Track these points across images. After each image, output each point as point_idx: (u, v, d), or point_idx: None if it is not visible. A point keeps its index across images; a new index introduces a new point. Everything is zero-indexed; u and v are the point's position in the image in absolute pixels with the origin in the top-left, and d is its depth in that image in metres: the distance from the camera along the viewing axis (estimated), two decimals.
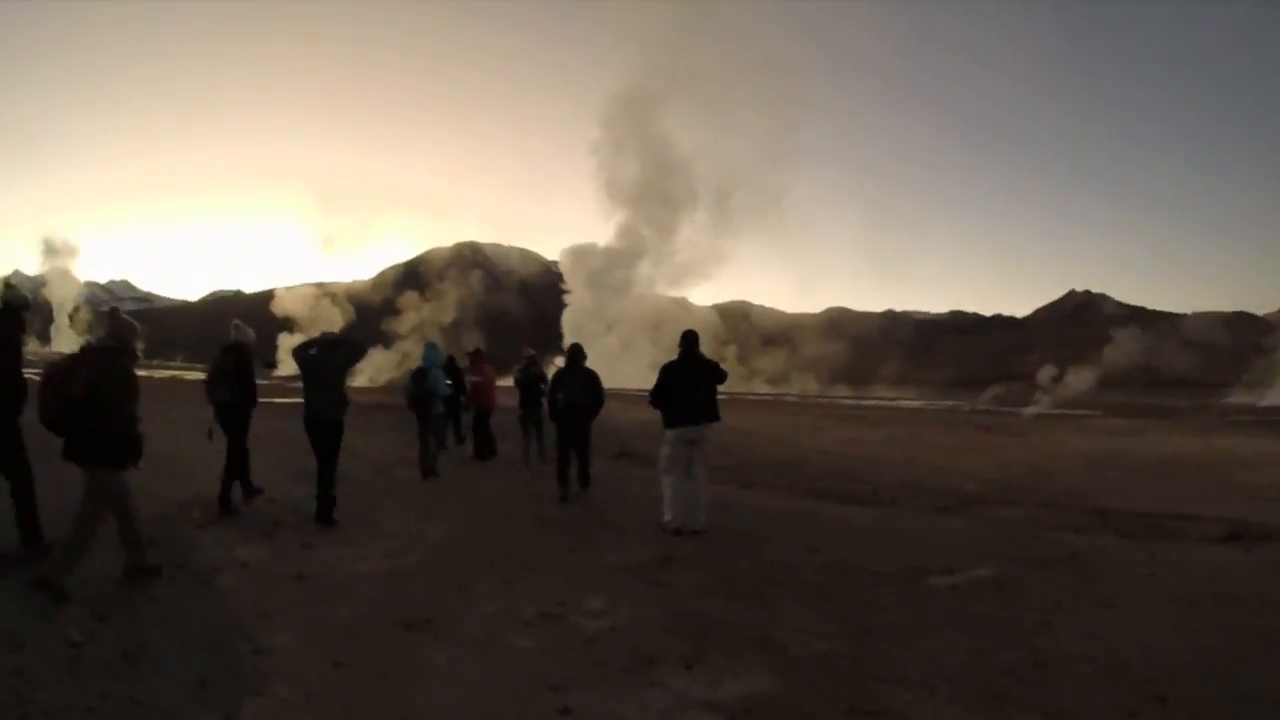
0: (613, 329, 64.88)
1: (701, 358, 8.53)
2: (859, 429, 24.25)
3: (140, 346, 5.93)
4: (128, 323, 5.81)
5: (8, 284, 6.55)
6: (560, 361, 11.19)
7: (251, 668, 4.41)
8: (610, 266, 67.07)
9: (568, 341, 66.89)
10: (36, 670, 4.24)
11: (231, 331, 8.84)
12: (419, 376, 11.62)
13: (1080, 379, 46.47)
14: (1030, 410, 39.10)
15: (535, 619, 5.32)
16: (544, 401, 11.55)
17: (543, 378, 12.48)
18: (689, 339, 8.57)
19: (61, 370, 5.42)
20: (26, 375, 6.30)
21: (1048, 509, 10.02)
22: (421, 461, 11.46)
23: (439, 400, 11.74)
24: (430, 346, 12.20)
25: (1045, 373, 46.85)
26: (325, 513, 8.06)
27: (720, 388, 8.58)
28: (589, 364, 10.46)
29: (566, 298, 67.95)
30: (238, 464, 8.65)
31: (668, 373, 8.47)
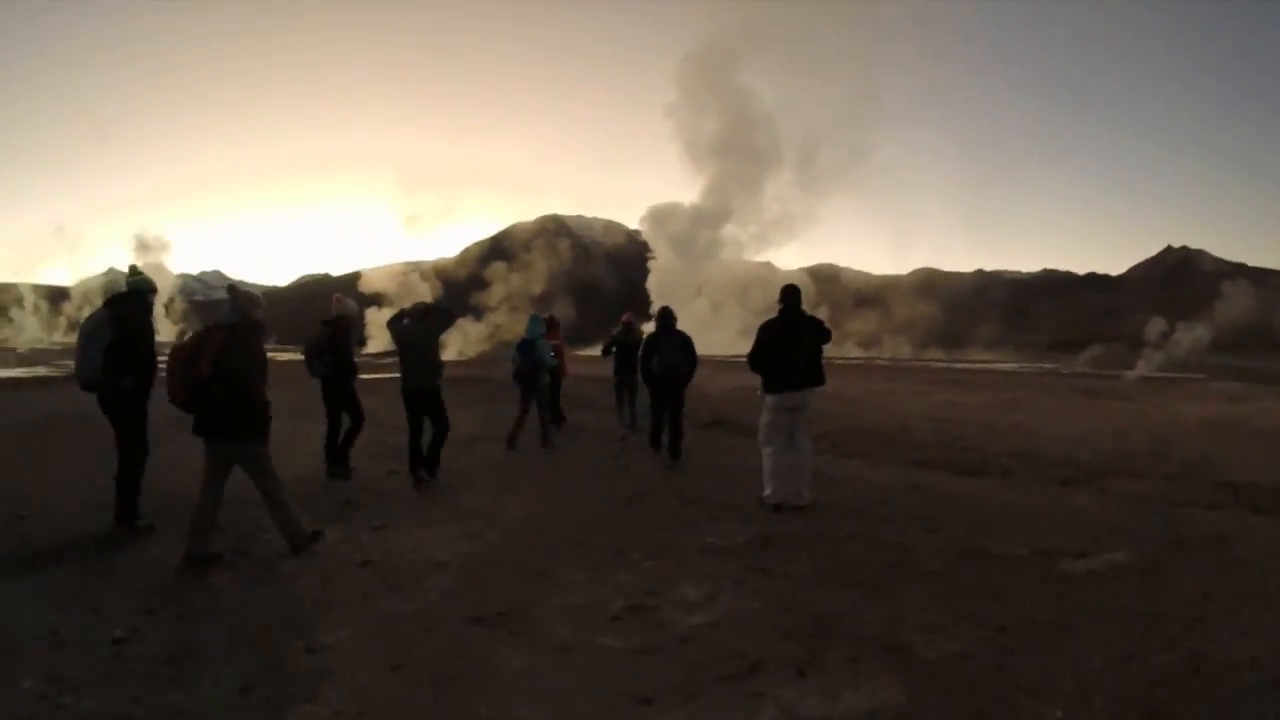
0: (701, 292, 63.98)
1: (804, 315, 7.76)
2: (957, 393, 23.12)
3: (262, 317, 5.89)
4: (248, 296, 5.81)
5: (134, 270, 6.65)
6: (650, 328, 10.72)
7: (303, 669, 3.93)
8: (695, 226, 65.87)
9: (655, 307, 66.45)
10: (72, 672, 3.86)
11: (333, 305, 8.93)
12: (525, 348, 11.33)
13: (1193, 336, 43.81)
14: (1134, 373, 37.60)
15: (623, 612, 4.72)
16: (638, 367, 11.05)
17: (639, 343, 11.82)
18: (790, 295, 7.74)
19: (188, 349, 5.50)
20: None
21: (1174, 482, 9.13)
22: (513, 434, 11.21)
23: (544, 371, 11.48)
24: (533, 319, 11.92)
25: (1154, 326, 44.25)
26: (430, 465, 8.44)
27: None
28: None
29: (651, 262, 67.13)
30: (344, 430, 8.79)
31: (766, 332, 7.69)
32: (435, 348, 8.65)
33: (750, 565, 5.59)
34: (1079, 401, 21.40)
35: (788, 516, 7.06)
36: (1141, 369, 39.12)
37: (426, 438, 8.53)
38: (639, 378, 11.25)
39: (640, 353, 10.54)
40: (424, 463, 8.42)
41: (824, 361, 7.83)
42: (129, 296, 6.44)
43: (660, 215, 67.81)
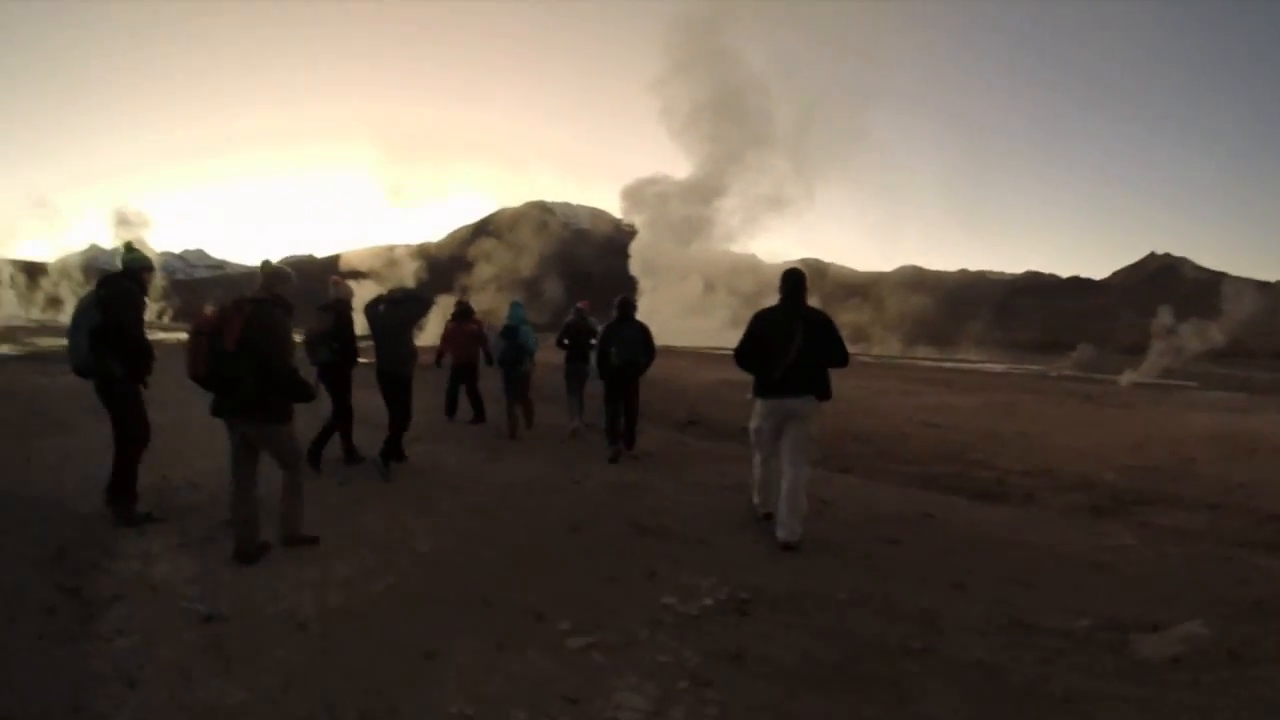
0: (686, 278, 62.45)
1: (806, 308, 6.27)
2: (950, 395, 21.89)
3: (290, 292, 5.57)
4: (277, 271, 5.55)
5: (129, 247, 6.34)
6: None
7: None
8: (683, 203, 64.19)
9: (641, 288, 65.27)
10: None
11: (330, 289, 8.69)
12: (510, 334, 10.98)
13: (1193, 344, 43.00)
14: (1126, 378, 37.21)
15: None
16: (592, 356, 10.63)
17: (593, 332, 11.25)
18: (790, 281, 6.29)
19: (211, 324, 5.20)
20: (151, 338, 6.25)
21: (1218, 514, 7.90)
22: (511, 426, 11.07)
23: (528, 358, 11.21)
24: (515, 304, 11.51)
25: (1158, 328, 43.38)
26: (390, 453, 8.16)
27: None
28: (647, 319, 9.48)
29: (633, 245, 65.45)
30: (343, 423, 8.56)
31: (758, 323, 6.32)
32: (409, 334, 8.64)
33: (719, 649, 4.00)
34: (1078, 408, 20.25)
35: (773, 563, 5.48)
36: (1133, 375, 38.54)
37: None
38: (589, 367, 11.00)
39: (597, 343, 9.99)
40: (384, 452, 8.11)
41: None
42: (122, 275, 6.13)
43: (643, 190, 65.95)
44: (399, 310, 8.48)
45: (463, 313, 12.74)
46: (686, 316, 60.91)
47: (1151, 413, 19.87)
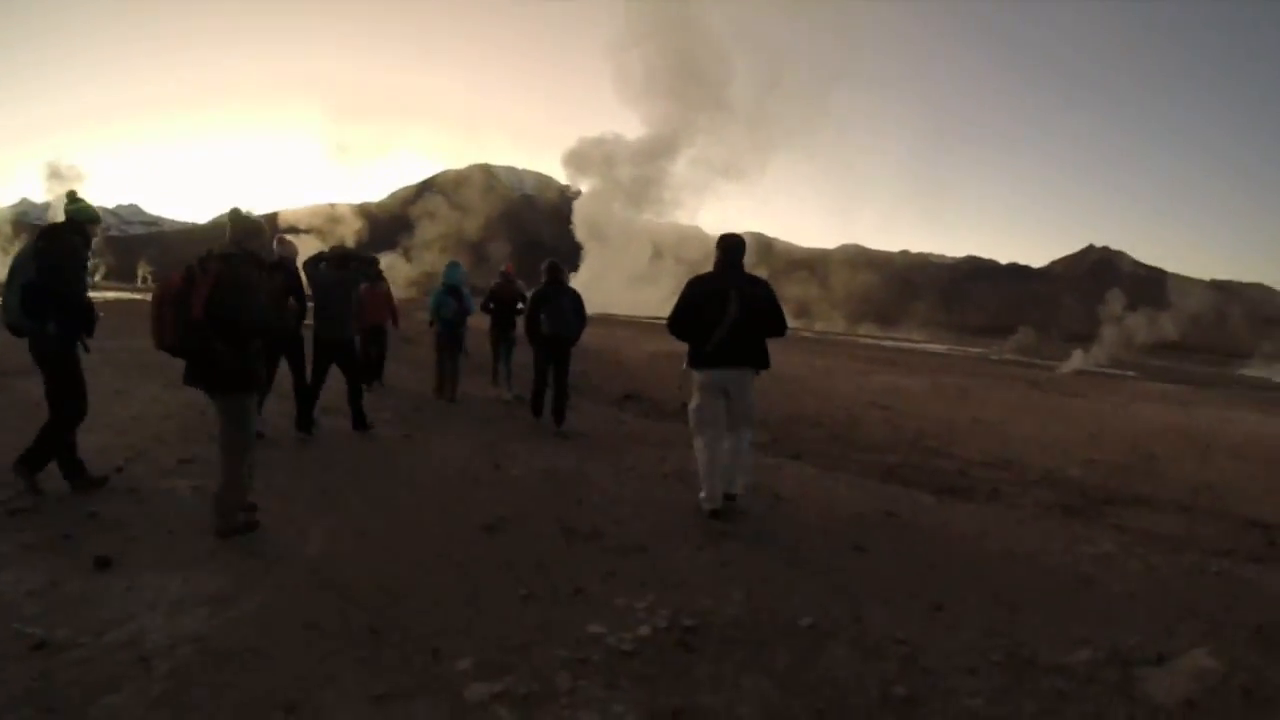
0: (632, 245, 61.47)
1: (743, 274, 6.03)
2: (898, 376, 21.49)
3: (263, 247, 5.24)
4: (246, 222, 5.05)
5: (73, 197, 5.70)
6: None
7: None
8: (629, 166, 63.07)
9: (587, 251, 64.09)
10: None
11: (275, 247, 7.93)
12: (456, 295, 11.02)
13: (1149, 331, 43.78)
14: (1069, 365, 37.58)
15: None
16: (519, 323, 10.48)
17: (520, 297, 11.26)
18: (728, 246, 6.01)
19: (175, 287, 4.68)
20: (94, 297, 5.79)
21: (1193, 517, 7.57)
22: (441, 389, 11.03)
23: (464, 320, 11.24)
24: (453, 265, 11.52)
25: (1113, 301, 44.01)
26: (358, 418, 8.27)
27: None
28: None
29: (576, 206, 64.23)
30: (306, 388, 8.08)
31: (692, 288, 6.03)
32: (352, 297, 8.45)
33: (659, 703, 3.17)
34: (1027, 395, 20.13)
35: (723, 578, 4.64)
36: (1078, 361, 38.92)
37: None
38: (515, 334, 10.87)
39: (526, 310, 9.40)
40: (304, 420, 7.98)
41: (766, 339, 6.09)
42: (65, 228, 5.57)
43: (589, 152, 64.54)
44: (345, 273, 8.28)
45: (375, 275, 11.97)
46: (633, 285, 60.19)
47: (1101, 403, 19.84)
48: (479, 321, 11.59)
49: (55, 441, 5.54)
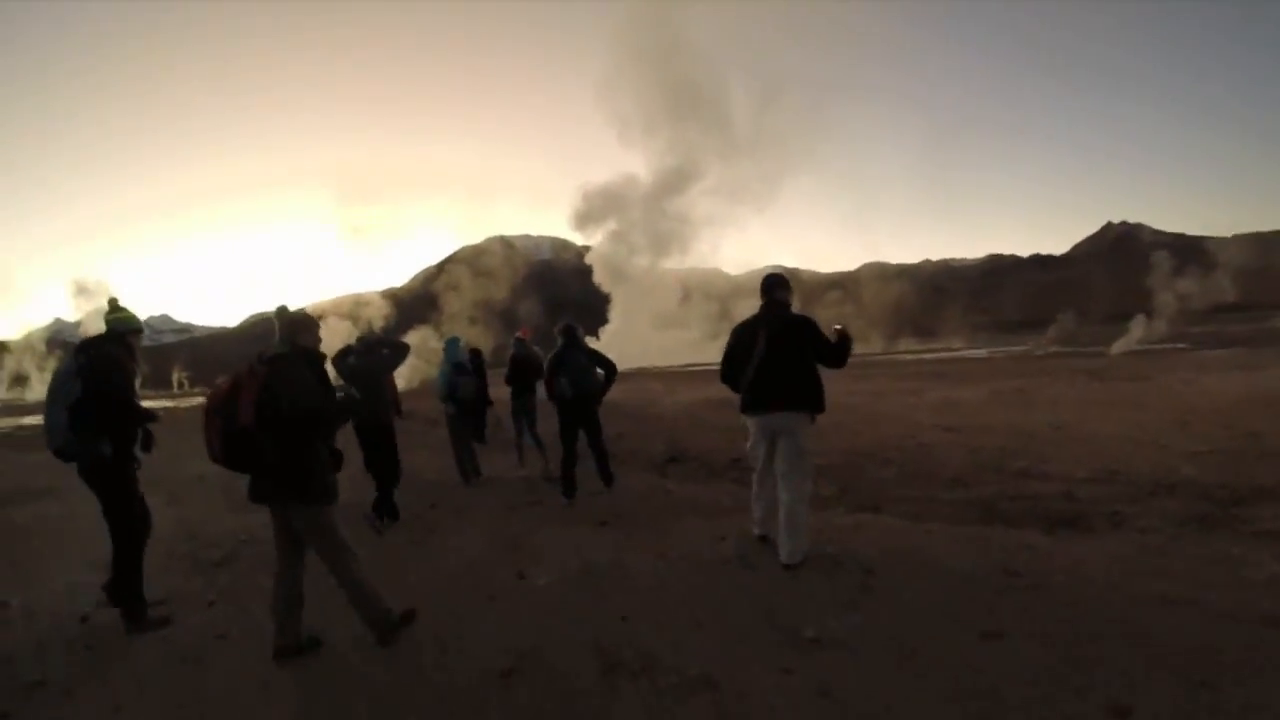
0: (657, 289, 60.77)
1: (776, 314, 5.77)
2: (952, 389, 20.07)
3: (317, 343, 4.65)
4: (295, 317, 4.57)
5: (115, 305, 5.46)
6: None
7: None
8: (642, 210, 62.48)
9: (615, 307, 63.51)
10: None
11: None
12: (465, 372, 10.46)
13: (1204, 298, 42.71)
14: (1118, 347, 36.14)
15: None
16: (539, 388, 9.71)
17: (538, 361, 10.42)
18: (762, 285, 5.91)
19: (223, 394, 4.26)
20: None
21: None
22: (464, 468, 10.30)
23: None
24: (452, 341, 10.79)
25: (1161, 267, 42.93)
26: (386, 510, 8.01)
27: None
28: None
29: (592, 256, 63.67)
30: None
31: (732, 336, 5.94)
32: (385, 382, 8.22)
33: None
34: (1091, 387, 18.75)
35: (826, 713, 3.37)
36: (1125, 342, 37.70)
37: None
38: (535, 402, 10.61)
39: (545, 373, 8.70)
40: (379, 508, 7.94)
41: (819, 374, 5.62)
42: (106, 339, 5.28)
43: (597, 202, 64.01)
44: (373, 358, 8.01)
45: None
46: (664, 328, 59.45)
47: (1169, 382, 18.62)
48: (499, 393, 10.90)
49: (135, 563, 5.23)
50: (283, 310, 4.62)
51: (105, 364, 5.12)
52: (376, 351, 8.14)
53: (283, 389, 4.24)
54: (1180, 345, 37.33)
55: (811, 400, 5.51)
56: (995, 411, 14.24)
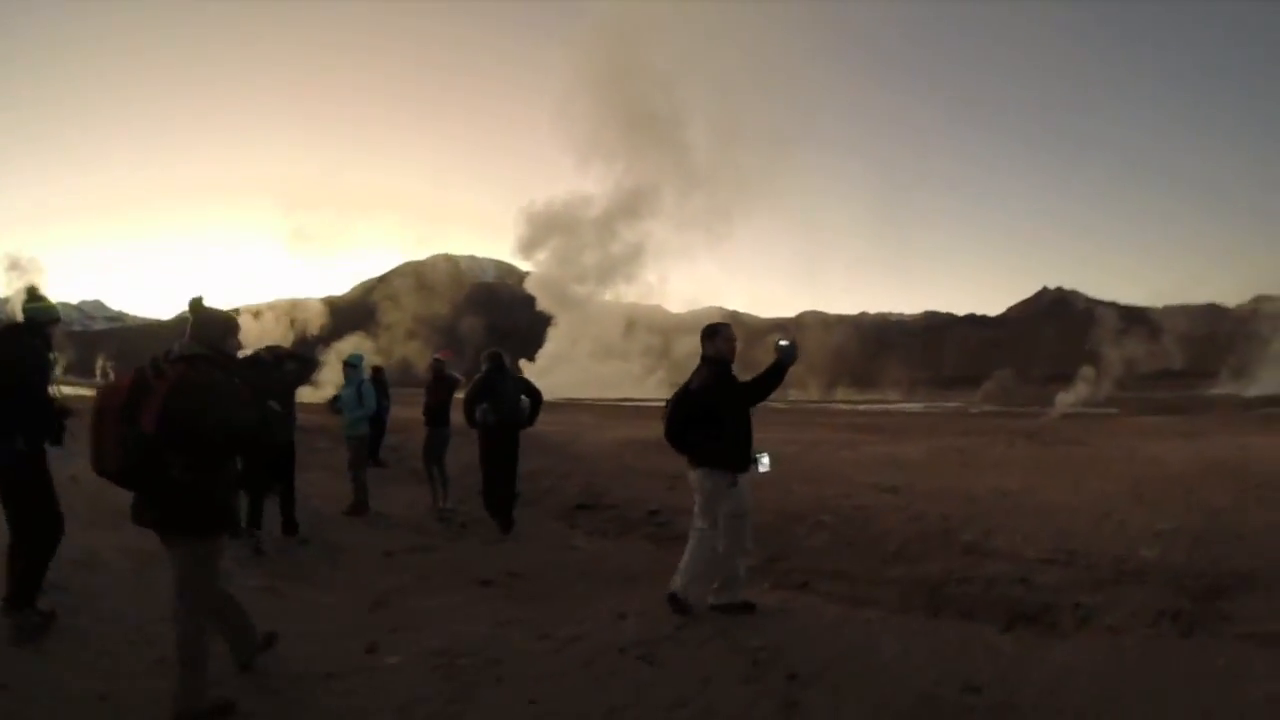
0: (599, 317, 60.10)
1: (702, 365, 5.70)
2: (889, 444, 19.33)
3: (235, 346, 4.03)
4: (214, 317, 3.91)
5: (33, 294, 5.11)
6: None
7: None
8: (590, 233, 61.93)
9: (555, 330, 62.43)
10: None
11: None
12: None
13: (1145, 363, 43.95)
14: (1056, 411, 36.50)
15: None
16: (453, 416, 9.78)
17: (452, 387, 10.37)
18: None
19: (121, 396, 3.54)
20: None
21: None
22: (361, 501, 9.37)
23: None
24: (355, 358, 10.07)
25: (1105, 327, 44.16)
26: (288, 526, 7.77)
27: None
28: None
29: (530, 281, 62.94)
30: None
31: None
32: (289, 398, 7.76)
33: None
34: (1031, 450, 17.96)
35: None
36: (1063, 406, 38.10)
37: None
38: (449, 432, 10.05)
39: (465, 399, 8.67)
40: (286, 528, 7.79)
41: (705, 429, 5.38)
42: (23, 330, 4.90)
43: (542, 223, 63.39)
44: (277, 373, 7.53)
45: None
46: (604, 359, 58.73)
47: (1112, 448, 17.84)
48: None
49: (42, 569, 4.78)
50: (198, 304, 3.91)
51: (21, 356, 4.81)
52: (282, 366, 7.78)
53: (204, 398, 3.59)
54: (1113, 410, 37.72)
55: (697, 452, 5.48)
56: (937, 472, 13.48)
